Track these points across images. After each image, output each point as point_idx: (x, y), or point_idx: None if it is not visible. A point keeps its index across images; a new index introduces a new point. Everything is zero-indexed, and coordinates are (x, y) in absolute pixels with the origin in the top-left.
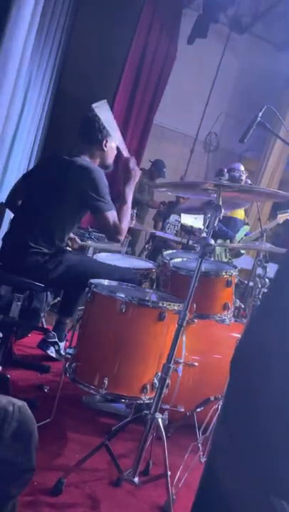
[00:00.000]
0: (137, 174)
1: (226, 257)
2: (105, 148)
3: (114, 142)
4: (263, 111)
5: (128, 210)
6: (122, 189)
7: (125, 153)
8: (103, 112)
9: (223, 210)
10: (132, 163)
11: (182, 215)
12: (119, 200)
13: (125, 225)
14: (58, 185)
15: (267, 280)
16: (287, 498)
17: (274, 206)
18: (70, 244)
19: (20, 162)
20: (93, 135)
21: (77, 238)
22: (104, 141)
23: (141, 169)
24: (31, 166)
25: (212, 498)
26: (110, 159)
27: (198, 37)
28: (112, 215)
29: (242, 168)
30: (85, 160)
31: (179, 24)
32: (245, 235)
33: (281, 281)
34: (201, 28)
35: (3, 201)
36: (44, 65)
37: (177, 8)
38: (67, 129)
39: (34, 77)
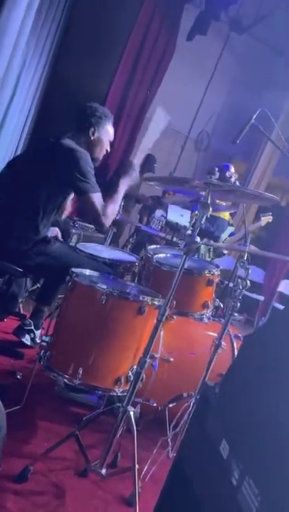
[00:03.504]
0: (134, 175)
1: (209, 257)
2: (92, 137)
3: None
4: (257, 113)
5: (118, 199)
6: (116, 180)
7: (137, 160)
8: (161, 119)
9: (211, 209)
10: (134, 164)
11: (169, 211)
12: (111, 190)
13: (112, 210)
14: (43, 166)
15: (248, 282)
16: None
17: (259, 210)
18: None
19: (9, 145)
20: (81, 122)
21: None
22: (92, 130)
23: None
24: (20, 149)
25: (178, 493)
26: (97, 151)
27: (198, 34)
28: (97, 197)
29: (232, 169)
30: (70, 142)
31: (180, 19)
32: (229, 236)
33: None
34: (202, 25)
35: None
36: (40, 49)
37: (179, 2)
38: (60, 114)
39: (29, 60)
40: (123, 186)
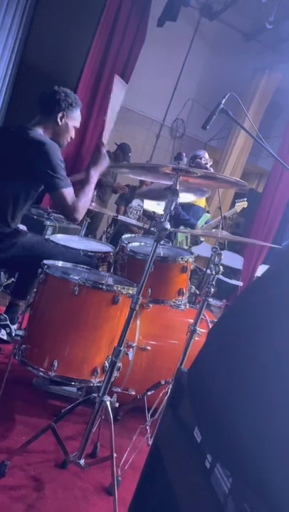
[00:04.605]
0: (105, 162)
1: (186, 245)
2: (60, 122)
3: (110, 122)
4: (226, 98)
5: (90, 190)
6: (87, 170)
7: (105, 140)
8: (119, 90)
9: (179, 195)
10: (104, 151)
11: (145, 200)
12: (83, 180)
13: (83, 204)
14: (11, 159)
15: (221, 267)
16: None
17: (235, 196)
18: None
19: None
20: (49, 106)
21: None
22: (60, 114)
23: (106, 152)
24: None
25: (155, 479)
26: (63, 137)
27: (168, 20)
28: (68, 192)
29: (206, 155)
30: (38, 133)
31: (149, 4)
32: (205, 223)
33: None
34: (172, 10)
35: None
36: (4, 36)
37: None
38: (32, 102)
39: None
40: (95, 177)
